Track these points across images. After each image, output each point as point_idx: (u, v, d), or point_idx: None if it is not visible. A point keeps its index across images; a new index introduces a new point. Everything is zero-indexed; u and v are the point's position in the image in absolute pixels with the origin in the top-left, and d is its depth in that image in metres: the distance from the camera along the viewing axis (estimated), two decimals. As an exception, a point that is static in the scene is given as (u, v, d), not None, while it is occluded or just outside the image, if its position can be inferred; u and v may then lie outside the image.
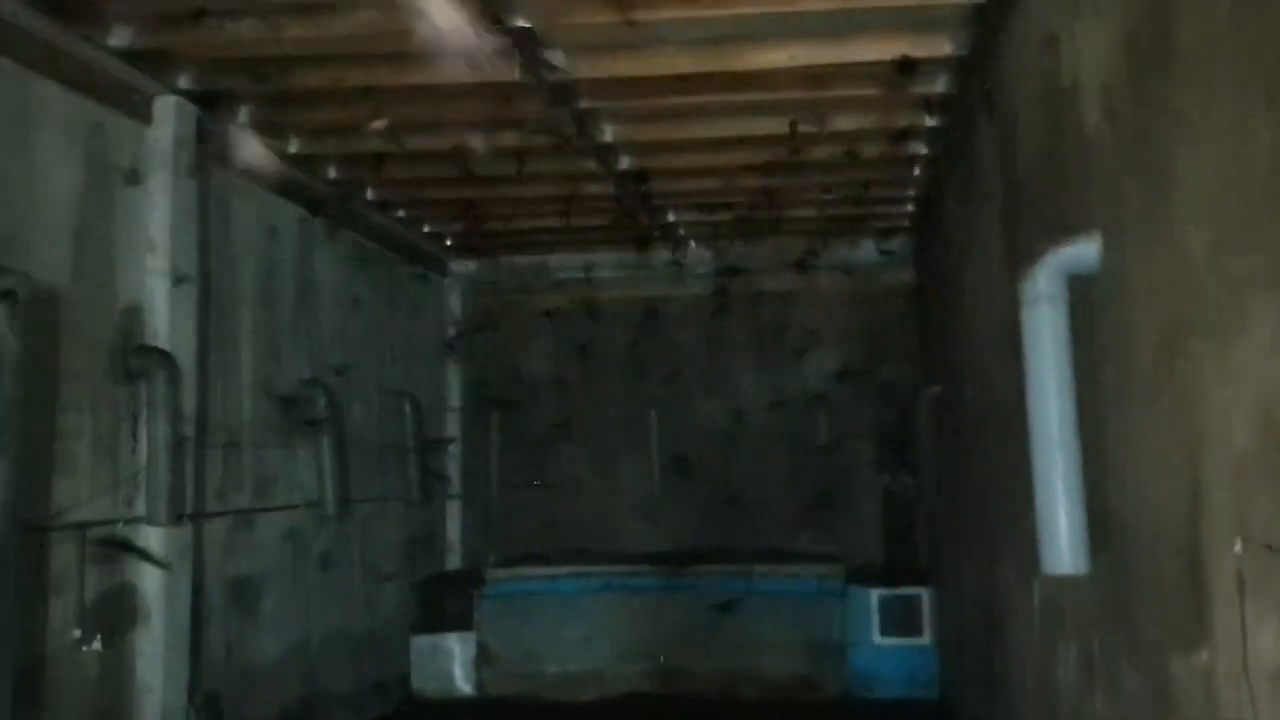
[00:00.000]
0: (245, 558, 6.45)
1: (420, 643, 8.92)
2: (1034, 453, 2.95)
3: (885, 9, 4.81)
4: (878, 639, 8.74)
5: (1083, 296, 3.00)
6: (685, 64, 5.29)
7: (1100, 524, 2.90)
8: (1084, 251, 2.92)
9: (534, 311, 10.41)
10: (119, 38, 4.93)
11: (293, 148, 6.58)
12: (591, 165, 6.97)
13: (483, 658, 8.98)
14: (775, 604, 8.99)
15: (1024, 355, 2.99)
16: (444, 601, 9.05)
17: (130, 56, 5.07)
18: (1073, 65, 3.16)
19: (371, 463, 8.21)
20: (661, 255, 9.62)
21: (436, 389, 9.83)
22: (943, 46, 5.20)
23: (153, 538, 5.36)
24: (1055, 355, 2.91)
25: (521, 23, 4.73)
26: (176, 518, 5.42)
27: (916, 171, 7.43)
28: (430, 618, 8.96)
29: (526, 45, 5.01)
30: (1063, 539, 2.87)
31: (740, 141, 6.65)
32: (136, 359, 5.35)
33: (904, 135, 6.54)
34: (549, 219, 8.39)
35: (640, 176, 7.24)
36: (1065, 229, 3.14)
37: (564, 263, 9.94)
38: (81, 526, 4.96)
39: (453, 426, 10.04)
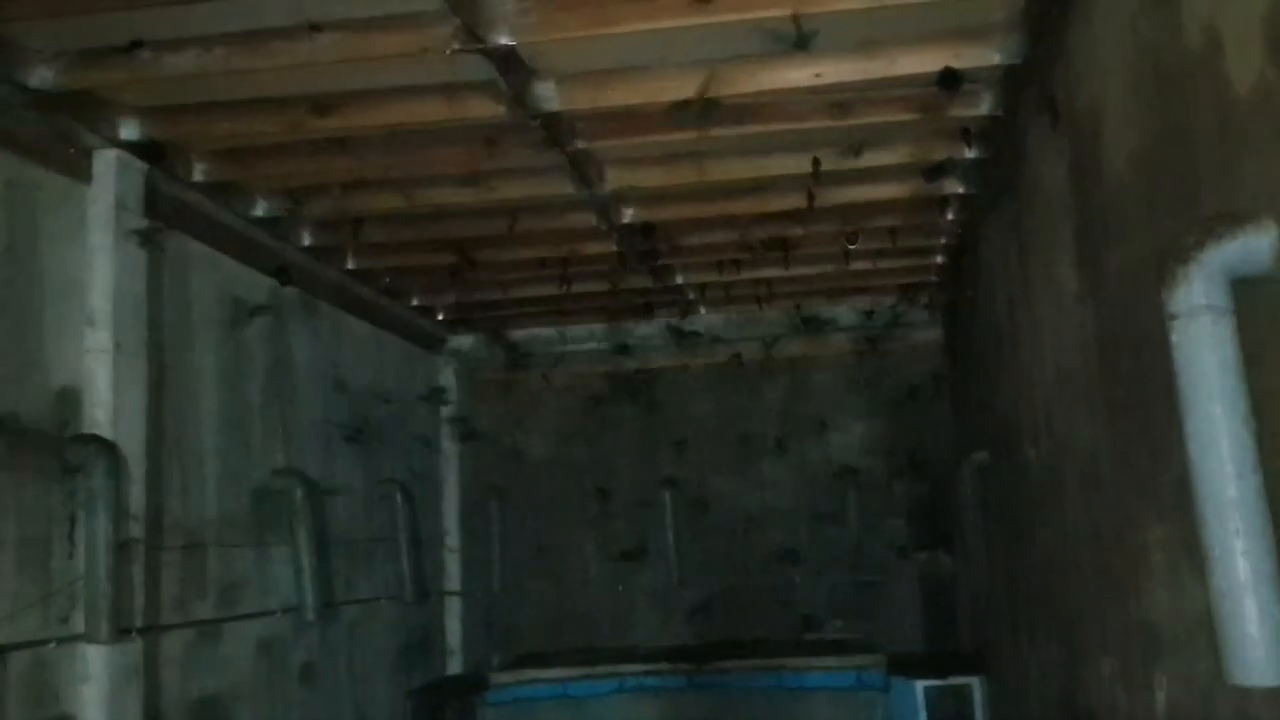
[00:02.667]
0: (211, 674, 5.63)
1: (419, 759, 8.06)
2: (1202, 521, 2.18)
3: (922, 3, 4.14)
4: (927, 737, 7.90)
5: (1247, 306, 2.26)
6: (693, 88, 4.61)
7: (1302, 614, 2.12)
8: (1251, 246, 2.19)
9: (536, 389, 9.71)
10: (39, 78, 4.21)
11: (259, 210, 5.89)
12: (592, 220, 6.30)
13: (488, 773, 8.16)
14: (811, 701, 8.20)
15: (1178, 387, 2.24)
16: (444, 710, 8.20)
17: (55, 101, 4.34)
18: (1208, 16, 2.47)
19: (358, 560, 7.41)
20: (669, 321, 8.96)
21: (431, 476, 9.05)
22: (990, 57, 4.53)
23: (93, 658, 4.58)
24: (1225, 386, 2.16)
25: (505, 39, 4.05)
26: (121, 633, 4.64)
27: (949, 216, 6.75)
28: (429, 731, 8.11)
29: (511, 70, 4.35)
30: (1255, 637, 2.09)
31: (754, 186, 5.99)
32: (72, 450, 4.61)
33: (938, 171, 5.88)
34: (547, 286, 7.70)
35: (645, 230, 6.54)
36: (1206, 225, 2.41)
37: (567, 334, 9.26)
38: (3, 650, 4.18)
39: (450, 516, 9.25)
